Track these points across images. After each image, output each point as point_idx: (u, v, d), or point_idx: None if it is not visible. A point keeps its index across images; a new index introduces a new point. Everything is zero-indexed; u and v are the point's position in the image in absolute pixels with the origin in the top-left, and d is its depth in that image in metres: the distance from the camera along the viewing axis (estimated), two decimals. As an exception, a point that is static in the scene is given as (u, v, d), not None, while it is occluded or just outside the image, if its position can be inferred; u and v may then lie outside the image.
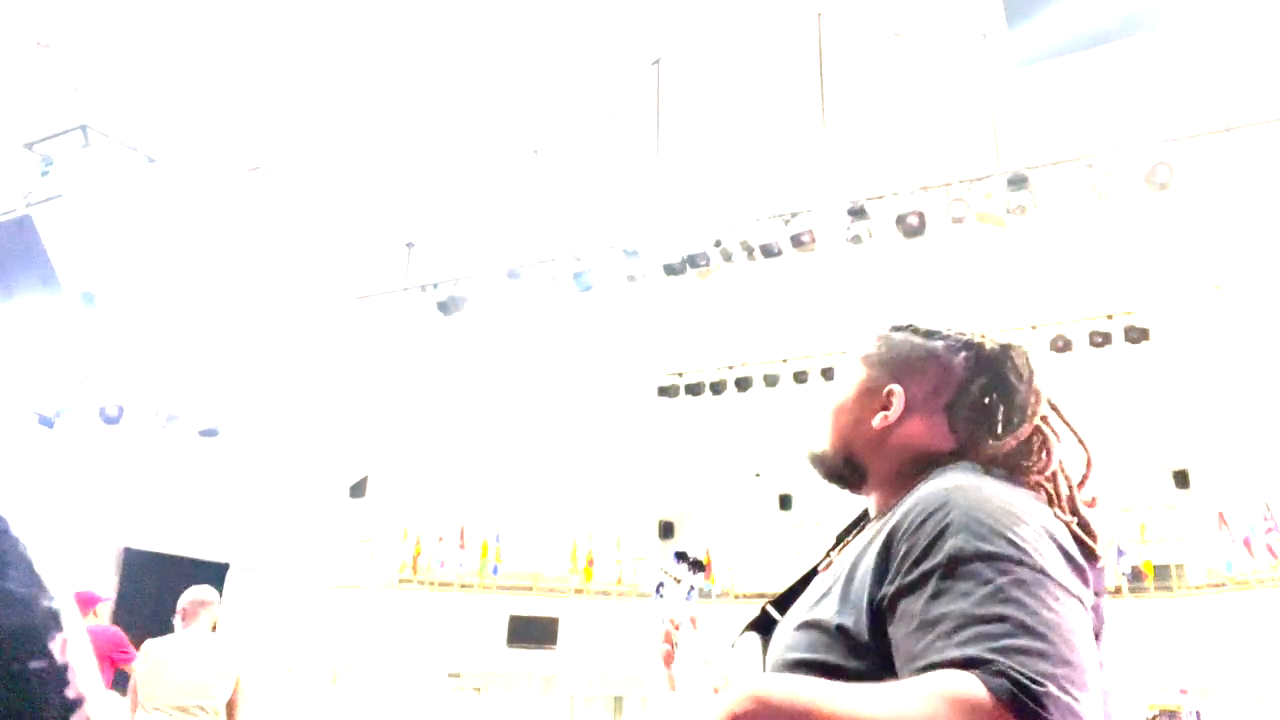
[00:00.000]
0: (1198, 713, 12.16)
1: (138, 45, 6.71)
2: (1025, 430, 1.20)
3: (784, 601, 1.29)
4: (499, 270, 8.44)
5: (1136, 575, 13.25)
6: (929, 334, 1.29)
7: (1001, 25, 6.24)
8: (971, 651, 0.88)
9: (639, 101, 7.67)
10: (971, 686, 0.85)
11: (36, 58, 6.68)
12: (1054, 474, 1.19)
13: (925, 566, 0.98)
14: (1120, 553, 13.20)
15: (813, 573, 1.32)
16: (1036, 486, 1.16)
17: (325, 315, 9.95)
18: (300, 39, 6.88)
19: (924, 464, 1.20)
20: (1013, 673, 0.85)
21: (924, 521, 1.02)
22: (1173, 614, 12.51)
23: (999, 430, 1.22)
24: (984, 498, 1.04)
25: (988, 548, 0.97)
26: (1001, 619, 0.90)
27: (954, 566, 0.96)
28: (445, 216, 9.08)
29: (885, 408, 1.24)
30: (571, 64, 7.41)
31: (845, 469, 1.27)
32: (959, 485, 1.07)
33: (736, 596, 15.43)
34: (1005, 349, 1.28)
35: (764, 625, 1.29)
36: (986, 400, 1.24)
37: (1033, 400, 1.23)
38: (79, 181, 6.39)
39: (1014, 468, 1.17)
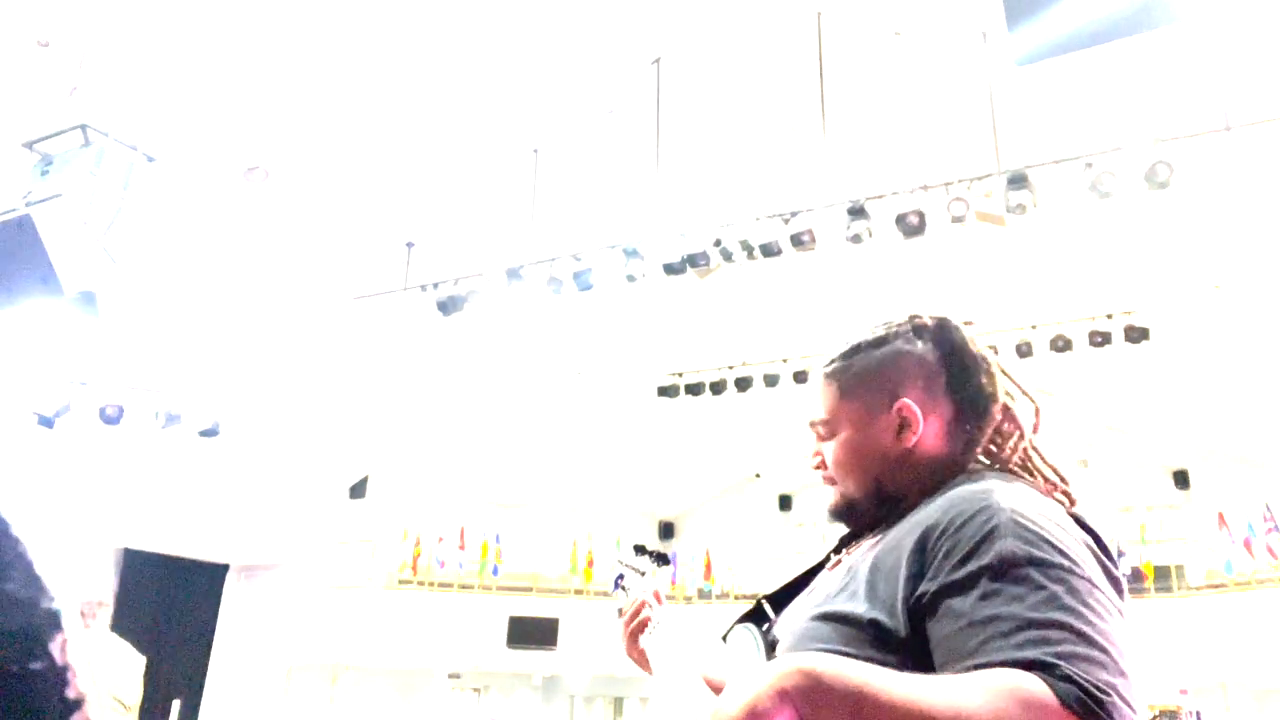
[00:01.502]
0: (1198, 713, 12.16)
1: (138, 45, 6.71)
2: (998, 395, 1.22)
3: (780, 598, 1.28)
4: (499, 270, 8.43)
5: (1136, 576, 13.23)
6: (879, 341, 1.26)
7: (1001, 25, 6.24)
8: (1032, 654, 0.87)
9: (639, 101, 7.67)
10: (1037, 688, 0.84)
11: (36, 58, 6.68)
12: (1021, 435, 1.21)
13: (973, 566, 0.97)
14: (1120, 553, 13.18)
15: (813, 572, 1.31)
16: (1014, 463, 1.19)
17: (325, 315, 9.94)
18: (300, 39, 6.88)
19: (952, 466, 1.19)
20: (1079, 679, 0.84)
21: (966, 522, 1.02)
22: (1173, 614, 12.50)
23: (981, 402, 1.22)
24: (1023, 504, 1.04)
25: (1039, 554, 0.96)
26: (1060, 625, 0.90)
27: (1005, 569, 0.95)
28: (445, 216, 9.08)
29: (903, 425, 1.20)
30: (571, 64, 7.41)
31: (880, 507, 1.22)
32: (994, 489, 1.07)
33: (736, 597, 15.42)
34: (943, 319, 1.27)
35: (759, 620, 1.27)
36: (967, 370, 1.23)
37: (987, 362, 1.24)
38: (79, 181, 6.39)
39: (1000, 444, 1.19)
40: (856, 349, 1.27)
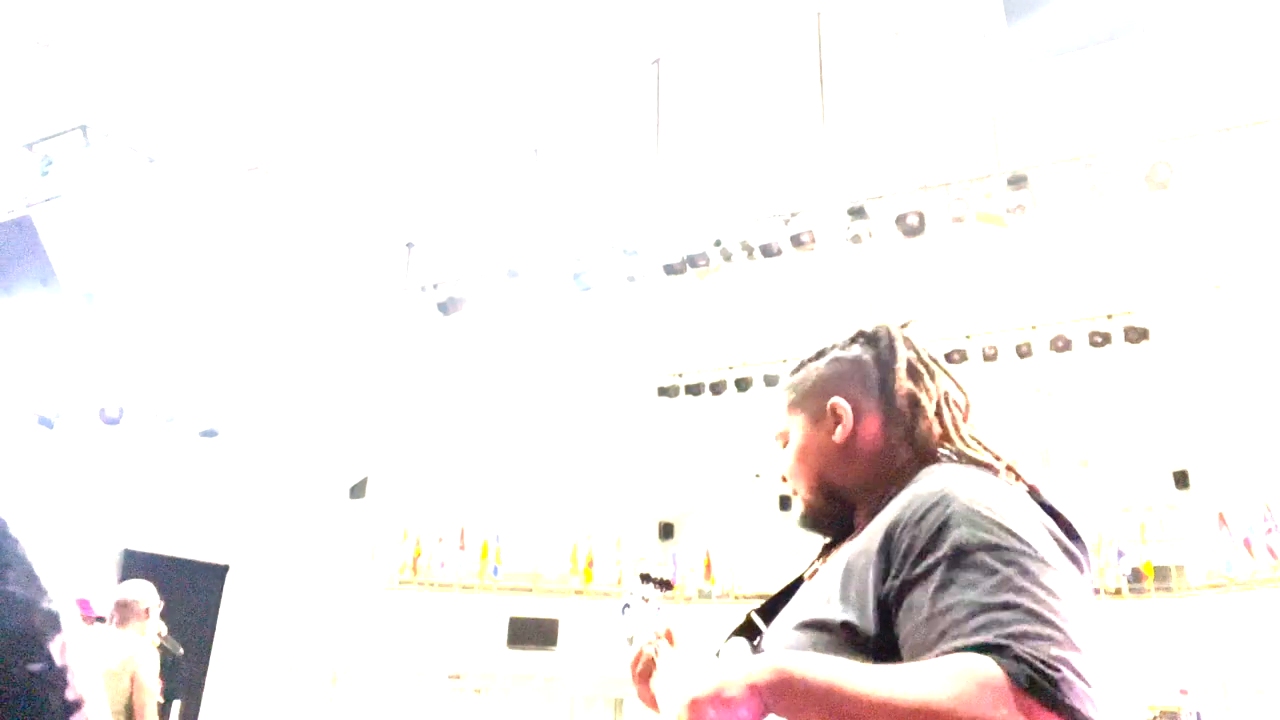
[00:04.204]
0: (1198, 713, 12.15)
1: (138, 45, 6.71)
2: (931, 387, 1.27)
3: (769, 611, 1.31)
4: (499, 270, 8.43)
5: (1136, 575, 13.23)
6: (818, 354, 1.36)
7: (1001, 25, 6.24)
8: (985, 638, 0.90)
9: (639, 101, 7.67)
10: (991, 670, 0.88)
11: (36, 58, 6.67)
12: (956, 425, 1.25)
13: (930, 559, 1.00)
14: (1120, 553, 13.19)
15: (797, 583, 1.34)
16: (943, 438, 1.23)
17: (325, 315, 9.94)
18: (300, 39, 6.87)
19: (894, 456, 1.23)
20: (1029, 657, 0.87)
21: (923, 516, 1.05)
22: (1173, 614, 12.50)
23: (910, 394, 1.26)
24: (978, 492, 1.07)
25: (991, 539, 0.99)
26: (1011, 606, 0.92)
27: (959, 557, 0.98)
28: (445, 216, 9.08)
29: (838, 422, 1.27)
30: (571, 64, 7.40)
31: (831, 504, 1.29)
32: (950, 480, 1.10)
33: (737, 597, 15.41)
34: (880, 325, 1.34)
35: (750, 633, 1.30)
36: (901, 371, 1.28)
37: (921, 359, 1.30)
38: (79, 181, 6.39)
39: (941, 433, 1.23)
40: (801, 366, 1.37)
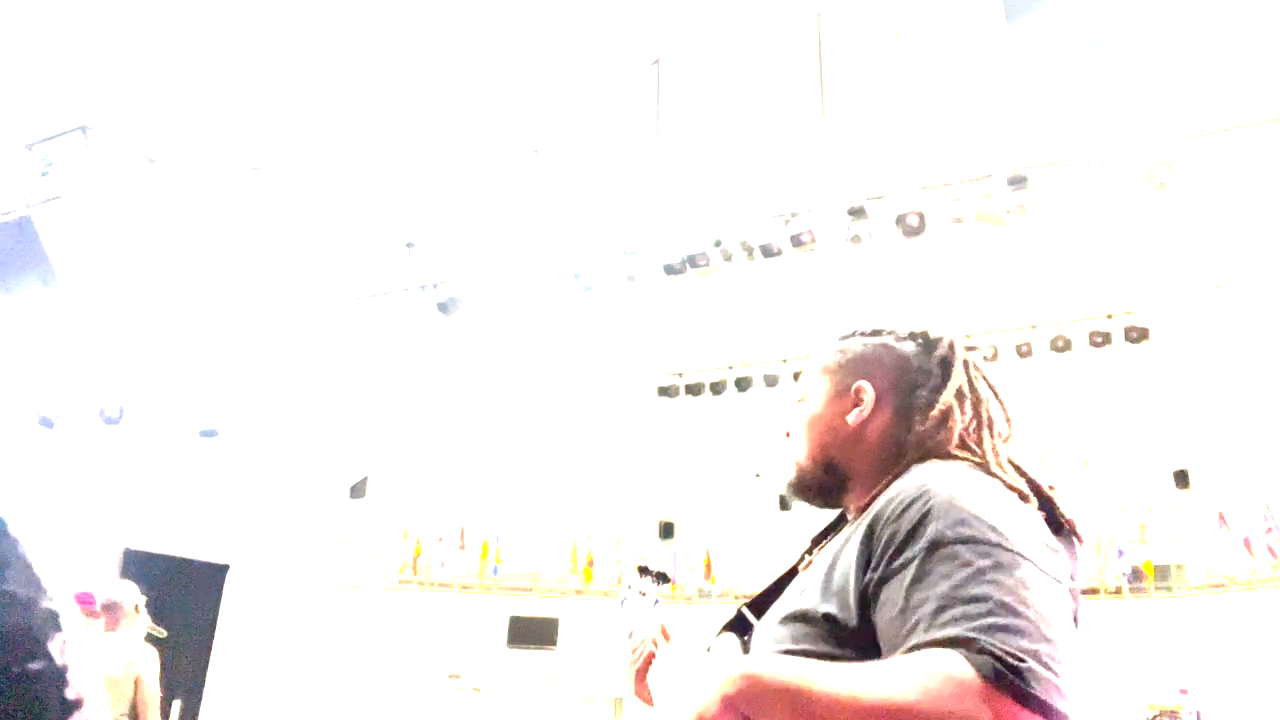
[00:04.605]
0: (1198, 713, 12.15)
1: (138, 45, 6.71)
2: (973, 408, 1.26)
3: (760, 604, 1.31)
4: (499, 270, 8.43)
5: (1136, 575, 13.23)
6: (875, 332, 1.36)
7: (1001, 24, 6.24)
8: (954, 631, 0.90)
9: (639, 101, 7.67)
10: (958, 665, 0.87)
11: (36, 58, 6.67)
12: (987, 437, 1.24)
13: (908, 553, 1.00)
14: (1120, 553, 13.19)
15: (789, 576, 1.34)
16: (978, 455, 1.21)
17: (325, 315, 9.94)
18: (300, 39, 6.87)
19: (899, 454, 1.23)
20: (995, 650, 0.87)
21: (905, 510, 1.05)
22: (1173, 614, 12.50)
23: (947, 407, 1.25)
24: (961, 487, 1.07)
25: (967, 531, 0.99)
26: (981, 599, 0.92)
27: (934, 550, 0.98)
28: (445, 216, 9.08)
29: (856, 404, 1.28)
30: (571, 64, 7.40)
31: (826, 477, 1.29)
32: (936, 476, 1.10)
33: (736, 597, 15.40)
34: (944, 337, 1.33)
35: (741, 627, 1.30)
36: (943, 382, 1.28)
37: (972, 380, 1.29)
38: (79, 181, 6.40)
39: (965, 444, 1.22)
40: (852, 334, 1.37)
